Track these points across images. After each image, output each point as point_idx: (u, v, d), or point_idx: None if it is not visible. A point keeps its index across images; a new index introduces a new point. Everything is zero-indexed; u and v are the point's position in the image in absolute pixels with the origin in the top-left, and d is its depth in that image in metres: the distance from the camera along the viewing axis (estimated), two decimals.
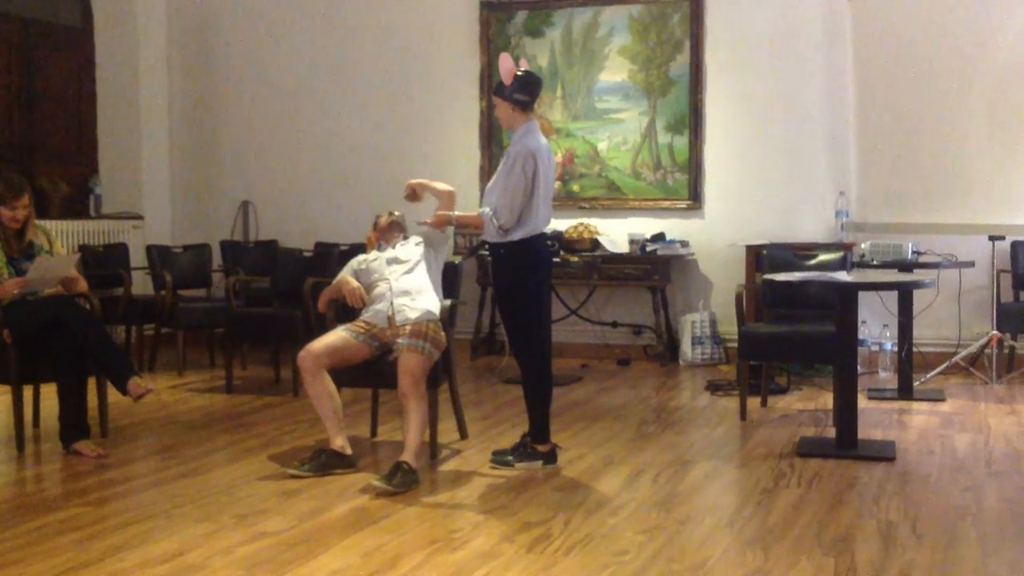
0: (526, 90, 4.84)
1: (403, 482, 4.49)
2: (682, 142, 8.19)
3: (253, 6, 9.09)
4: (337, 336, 4.99)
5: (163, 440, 5.64)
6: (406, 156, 8.71)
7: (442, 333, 4.99)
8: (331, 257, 7.77)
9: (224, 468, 5.02)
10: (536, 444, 4.94)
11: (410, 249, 5.26)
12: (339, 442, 4.86)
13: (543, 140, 4.89)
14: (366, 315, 5.12)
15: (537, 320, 4.93)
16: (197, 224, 9.18)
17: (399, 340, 4.89)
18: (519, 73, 4.83)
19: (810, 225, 7.89)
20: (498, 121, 5.13)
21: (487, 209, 4.80)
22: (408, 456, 4.64)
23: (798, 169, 7.98)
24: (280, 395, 6.81)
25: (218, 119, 9.26)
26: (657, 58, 8.24)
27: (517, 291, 4.87)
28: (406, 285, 5.11)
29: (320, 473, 4.73)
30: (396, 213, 5.46)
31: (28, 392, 5.59)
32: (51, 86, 8.70)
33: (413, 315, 4.98)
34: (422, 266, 5.20)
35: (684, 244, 8.04)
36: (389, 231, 5.37)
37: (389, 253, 5.25)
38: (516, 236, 4.78)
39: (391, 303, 5.05)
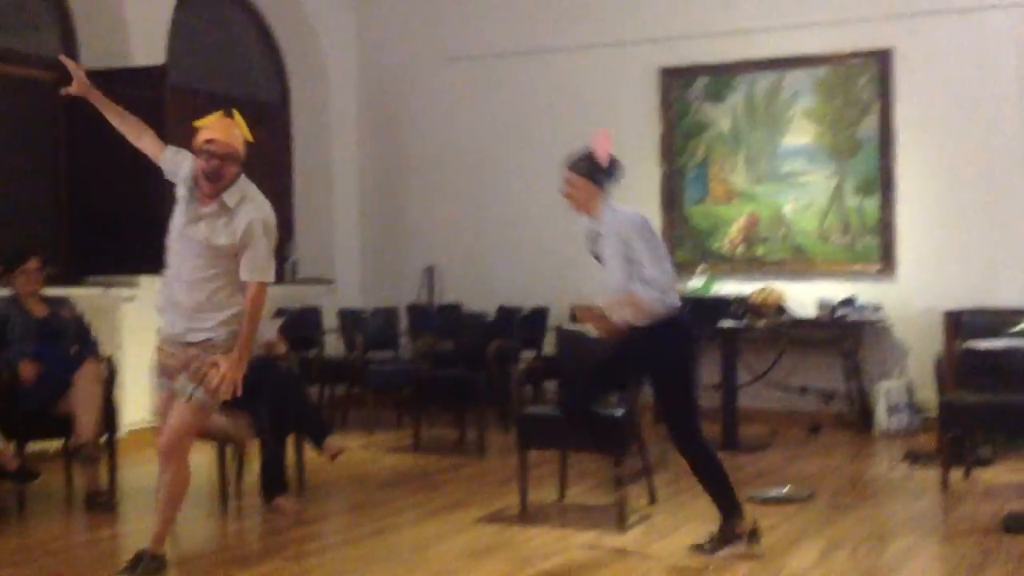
0: (614, 176, 4.67)
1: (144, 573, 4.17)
2: (872, 204, 7.97)
3: (438, 77, 9.38)
4: None
5: (355, 497, 5.79)
6: (587, 221, 8.75)
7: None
8: (514, 321, 7.87)
9: (413, 527, 5.11)
10: (734, 521, 4.50)
11: None
12: None
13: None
14: None
15: (695, 399, 4.67)
16: (385, 288, 9.44)
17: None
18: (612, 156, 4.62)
19: (1012, 289, 7.51)
20: (568, 200, 4.76)
21: (638, 285, 4.46)
22: (154, 542, 4.28)
23: (998, 230, 7.63)
24: (465, 455, 6.89)
25: (405, 187, 9.56)
26: (844, 119, 8.08)
27: (681, 370, 4.56)
28: None
29: None
30: None
31: (231, 450, 5.83)
32: (252, 159, 9.12)
33: None
34: None
35: (876, 309, 7.79)
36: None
37: None
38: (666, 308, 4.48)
39: None
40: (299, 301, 8.71)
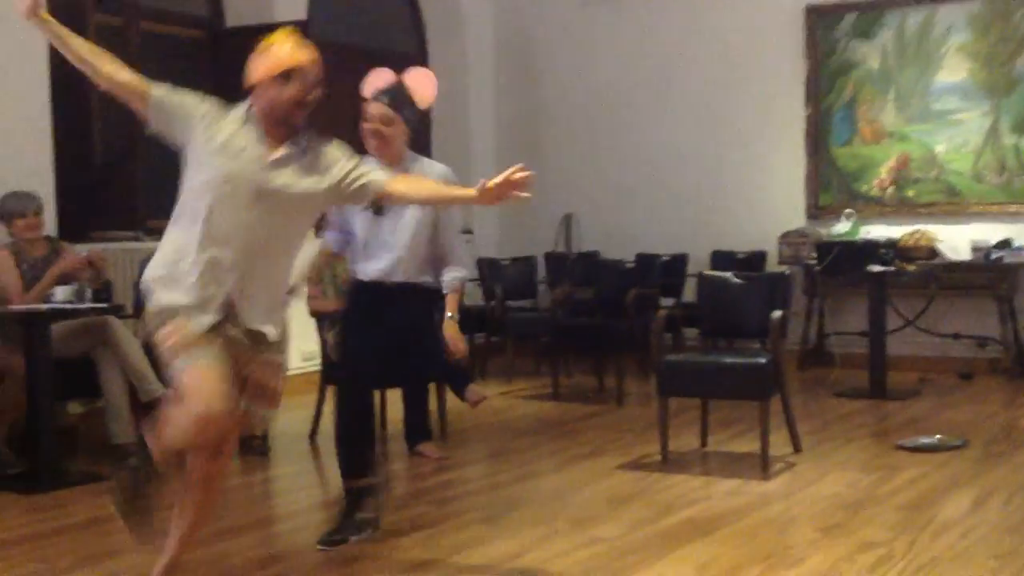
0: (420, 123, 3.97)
1: None
2: None
3: (576, 21, 9.28)
4: None
5: (495, 444, 5.86)
6: (728, 165, 8.61)
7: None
8: (653, 268, 7.80)
9: (554, 474, 5.15)
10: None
11: None
12: None
13: None
14: None
15: None
16: (523, 237, 9.47)
17: None
18: None
19: None
20: (377, 139, 4.02)
21: (457, 273, 4.32)
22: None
23: None
24: (604, 403, 6.89)
25: (542, 135, 9.53)
26: (999, 56, 7.69)
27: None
28: None
29: None
30: None
31: (376, 396, 5.96)
32: None
33: None
34: None
35: None
36: None
37: None
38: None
39: None
40: None
